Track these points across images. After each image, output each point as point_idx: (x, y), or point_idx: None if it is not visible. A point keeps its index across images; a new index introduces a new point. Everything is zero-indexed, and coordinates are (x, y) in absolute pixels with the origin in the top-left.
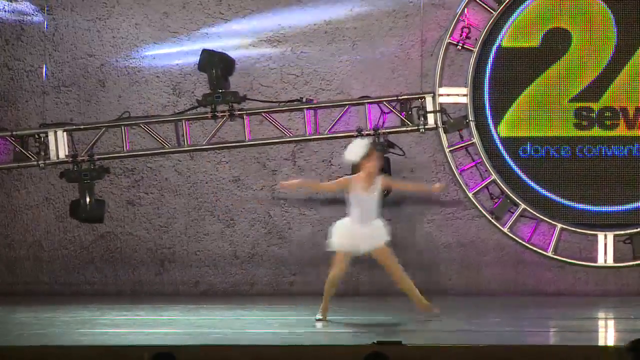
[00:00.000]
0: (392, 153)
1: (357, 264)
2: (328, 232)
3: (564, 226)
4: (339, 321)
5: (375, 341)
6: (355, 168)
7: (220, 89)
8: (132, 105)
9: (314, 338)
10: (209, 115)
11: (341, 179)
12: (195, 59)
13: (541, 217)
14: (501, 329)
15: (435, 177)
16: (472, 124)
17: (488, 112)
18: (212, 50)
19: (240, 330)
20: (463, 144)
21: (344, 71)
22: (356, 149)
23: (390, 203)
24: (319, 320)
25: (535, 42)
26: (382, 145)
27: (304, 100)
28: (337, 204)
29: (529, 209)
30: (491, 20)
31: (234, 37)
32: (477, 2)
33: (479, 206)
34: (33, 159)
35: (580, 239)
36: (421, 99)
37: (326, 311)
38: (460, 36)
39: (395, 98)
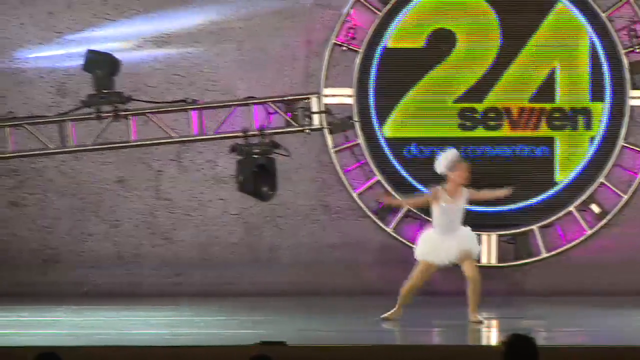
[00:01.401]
0: (278, 154)
1: (236, 265)
2: (416, 242)
3: None
4: (222, 321)
5: (259, 341)
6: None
7: (105, 89)
8: (16, 106)
9: (198, 339)
10: (94, 115)
11: (432, 190)
12: (81, 59)
13: (425, 217)
14: (385, 328)
15: (320, 177)
16: (358, 125)
17: (373, 113)
18: (97, 51)
19: (124, 331)
20: (348, 145)
21: (230, 71)
22: (443, 161)
23: (277, 202)
24: (384, 319)
25: (420, 43)
26: (268, 146)
27: (190, 100)
28: (221, 204)
29: (413, 209)
30: (377, 21)
31: (119, 38)
32: (362, 2)
33: (363, 207)
34: None
35: None
36: (307, 100)
37: (398, 314)
38: (346, 37)
39: (281, 99)
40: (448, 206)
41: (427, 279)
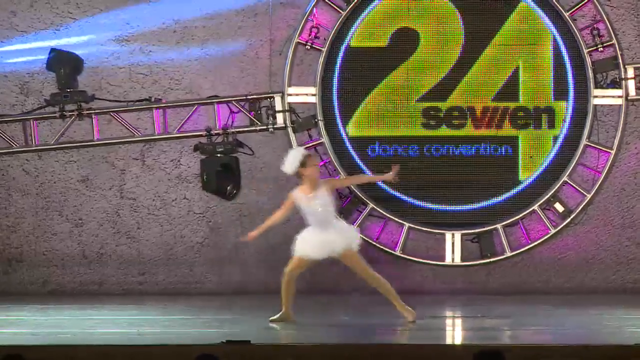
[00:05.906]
0: (242, 152)
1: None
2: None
3: (412, 225)
4: (187, 320)
5: (224, 340)
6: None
7: (69, 88)
8: None
9: (162, 337)
10: (57, 114)
11: (287, 200)
12: (44, 58)
13: (389, 216)
14: (349, 327)
15: (284, 176)
16: (321, 124)
17: (337, 112)
18: (61, 50)
19: (88, 330)
20: (312, 143)
21: (193, 70)
22: (289, 160)
23: (242, 201)
24: (272, 321)
25: (383, 41)
26: (232, 145)
27: (153, 99)
28: (186, 203)
29: (377, 208)
30: (340, 20)
31: (82, 36)
32: (325, 1)
33: None
34: None
35: (428, 237)
36: (270, 99)
37: (287, 315)
38: (309, 36)
39: (244, 97)
40: (308, 205)
41: (303, 270)
